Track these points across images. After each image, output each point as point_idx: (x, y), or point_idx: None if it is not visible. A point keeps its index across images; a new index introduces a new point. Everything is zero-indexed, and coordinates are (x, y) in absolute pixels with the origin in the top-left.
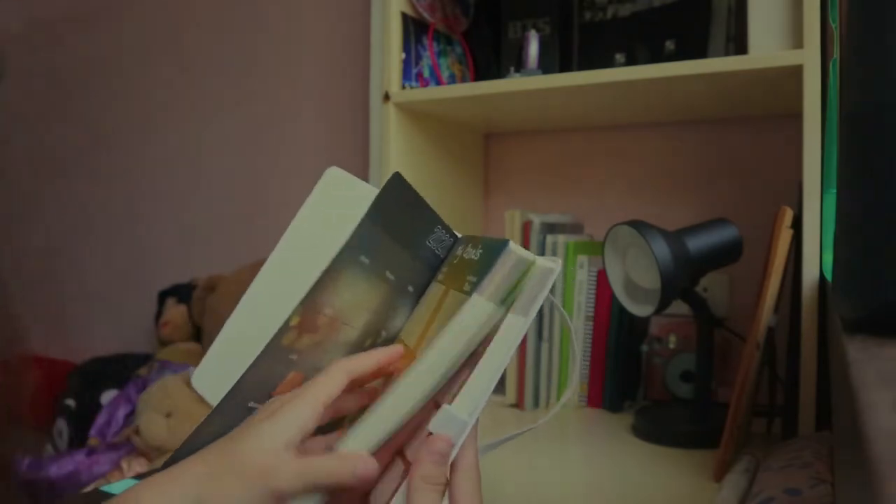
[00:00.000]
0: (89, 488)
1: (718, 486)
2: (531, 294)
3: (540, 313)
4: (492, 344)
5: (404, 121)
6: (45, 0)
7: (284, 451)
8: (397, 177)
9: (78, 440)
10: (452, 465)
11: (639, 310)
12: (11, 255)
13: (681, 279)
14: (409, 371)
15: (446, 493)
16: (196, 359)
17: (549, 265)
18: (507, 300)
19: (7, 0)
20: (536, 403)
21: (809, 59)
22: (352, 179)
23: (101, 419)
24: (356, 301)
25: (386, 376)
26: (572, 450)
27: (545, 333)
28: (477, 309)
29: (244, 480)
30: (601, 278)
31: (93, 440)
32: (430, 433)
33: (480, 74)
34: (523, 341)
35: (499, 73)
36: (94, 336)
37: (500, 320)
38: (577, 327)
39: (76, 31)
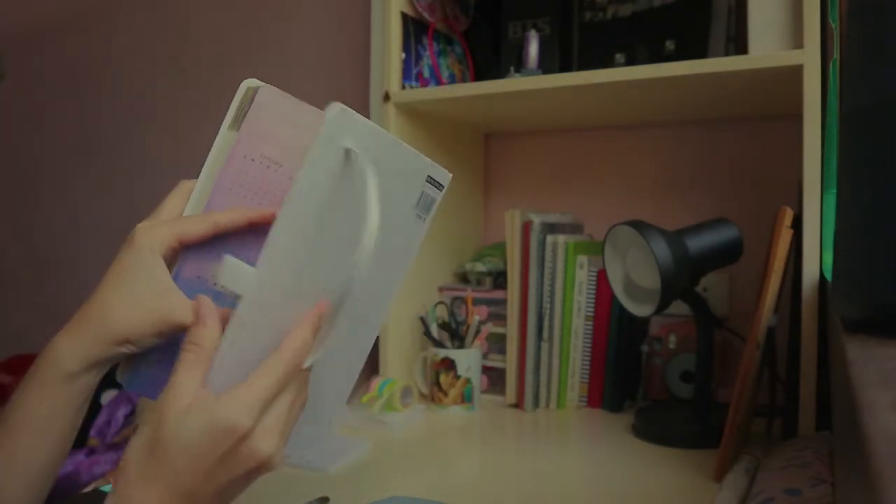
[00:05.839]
0: (89, 488)
1: (718, 486)
2: (235, 107)
3: (541, 316)
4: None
5: (404, 121)
6: (45, 1)
7: None
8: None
9: (78, 440)
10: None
11: (639, 310)
12: (12, 255)
13: (681, 279)
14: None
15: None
16: None
17: (255, 84)
18: (233, 124)
19: (6, 1)
20: (536, 403)
21: (809, 59)
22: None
23: (101, 419)
24: None
25: None
26: (572, 450)
27: (545, 333)
28: (219, 137)
29: None
30: (601, 278)
31: (93, 440)
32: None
33: (480, 74)
34: (523, 341)
35: (499, 73)
36: None
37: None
38: (578, 327)
39: (76, 31)
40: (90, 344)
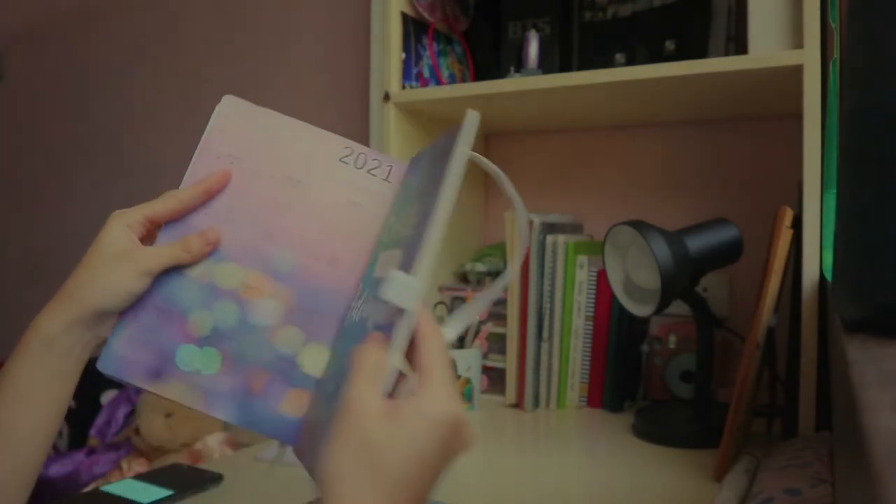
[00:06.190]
0: (89, 488)
1: (718, 486)
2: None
3: (541, 316)
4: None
5: (404, 120)
6: (45, 1)
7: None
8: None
9: (78, 440)
10: (415, 334)
11: (639, 310)
12: (11, 256)
13: (681, 279)
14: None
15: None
16: None
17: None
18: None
19: (6, 1)
20: (536, 403)
21: (809, 59)
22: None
23: (101, 419)
24: None
25: None
26: (572, 450)
27: (545, 333)
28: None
29: None
30: (601, 278)
31: (93, 440)
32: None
33: (480, 74)
34: (523, 341)
35: (499, 73)
36: None
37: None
38: (578, 327)
39: (76, 31)
40: (71, 305)
